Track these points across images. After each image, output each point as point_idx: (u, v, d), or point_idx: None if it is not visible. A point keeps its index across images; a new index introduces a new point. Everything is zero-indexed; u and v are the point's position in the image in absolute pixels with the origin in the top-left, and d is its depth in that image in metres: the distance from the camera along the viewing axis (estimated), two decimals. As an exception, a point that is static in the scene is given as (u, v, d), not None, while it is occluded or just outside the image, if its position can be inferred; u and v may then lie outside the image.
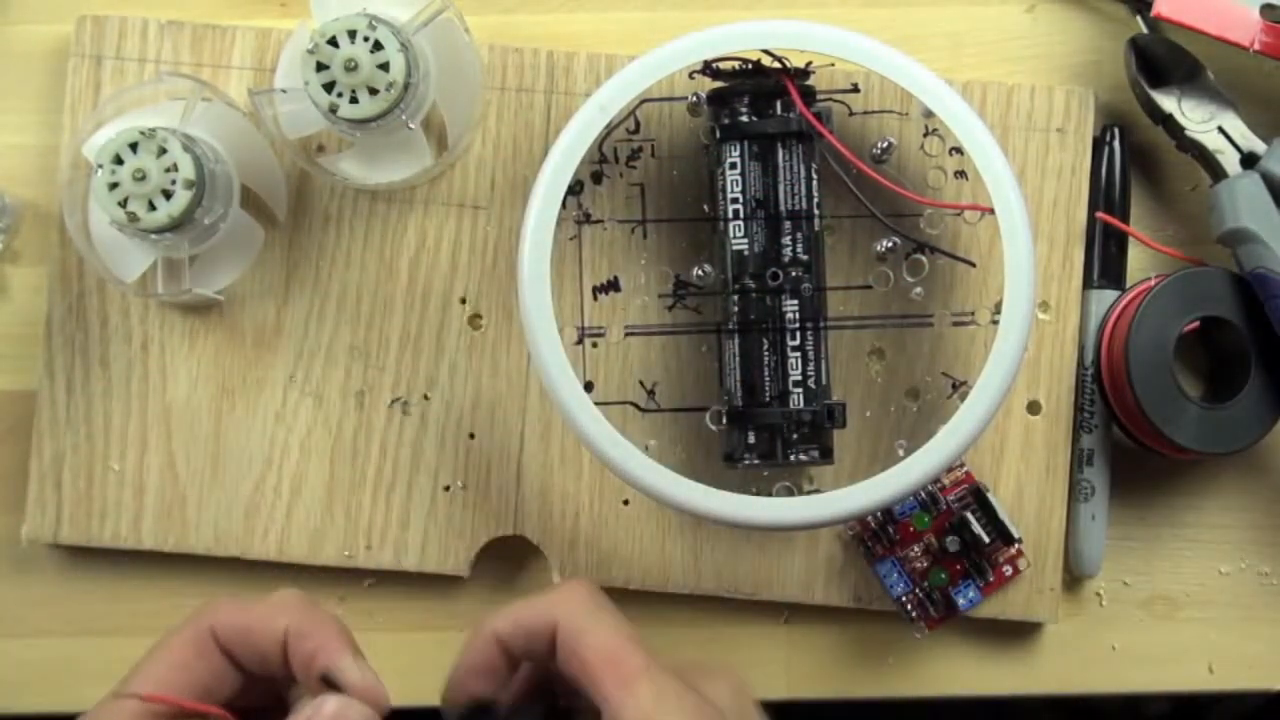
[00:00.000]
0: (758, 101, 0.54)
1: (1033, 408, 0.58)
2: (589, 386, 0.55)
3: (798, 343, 0.54)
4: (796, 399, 0.54)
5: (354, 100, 0.53)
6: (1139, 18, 0.59)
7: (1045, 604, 0.58)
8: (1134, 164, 0.60)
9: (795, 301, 0.54)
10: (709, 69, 0.54)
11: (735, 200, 0.54)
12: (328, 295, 0.58)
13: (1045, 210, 0.58)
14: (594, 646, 0.39)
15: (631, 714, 0.38)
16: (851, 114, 0.57)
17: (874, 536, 0.57)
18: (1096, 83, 0.60)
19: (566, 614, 0.40)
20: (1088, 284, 0.59)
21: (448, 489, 0.58)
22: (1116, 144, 0.59)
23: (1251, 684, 0.59)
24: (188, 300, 0.57)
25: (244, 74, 0.58)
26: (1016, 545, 0.57)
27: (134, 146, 0.53)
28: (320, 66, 0.53)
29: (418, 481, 0.58)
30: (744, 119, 0.54)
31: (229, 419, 0.58)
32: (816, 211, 0.54)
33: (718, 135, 0.54)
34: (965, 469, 0.57)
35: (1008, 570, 0.57)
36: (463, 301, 0.58)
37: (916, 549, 0.57)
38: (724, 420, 0.54)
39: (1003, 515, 0.56)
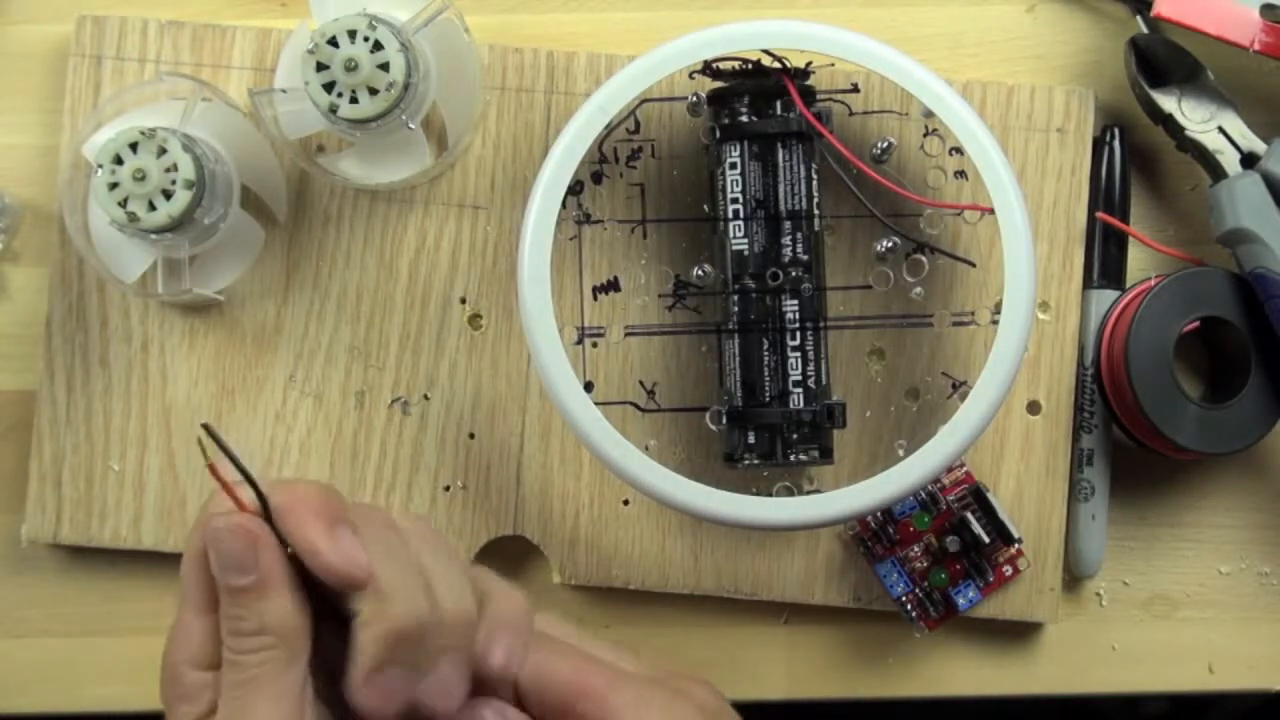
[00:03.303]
0: (758, 101, 0.54)
1: (1033, 408, 0.58)
2: (589, 386, 0.55)
3: (798, 343, 0.54)
4: (796, 399, 0.54)
5: (354, 100, 0.53)
6: (1139, 18, 0.59)
7: (1045, 604, 0.58)
8: (1134, 164, 0.60)
9: (795, 301, 0.54)
10: (709, 69, 0.54)
11: (735, 200, 0.54)
12: (328, 295, 0.58)
13: (1045, 210, 0.58)
14: (556, 687, 0.40)
15: None
16: (851, 114, 0.57)
17: (874, 536, 0.57)
18: (1096, 83, 0.60)
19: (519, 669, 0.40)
20: (1088, 284, 0.59)
21: (448, 489, 0.58)
22: (1116, 144, 0.59)
23: (1251, 684, 0.59)
24: (188, 300, 0.57)
25: (244, 74, 0.58)
26: (1016, 545, 0.57)
27: (134, 146, 0.53)
28: (320, 66, 0.53)
29: (418, 481, 0.58)
30: (744, 119, 0.54)
31: (229, 419, 0.58)
32: (816, 211, 0.54)
33: (718, 135, 0.54)
34: (965, 469, 0.57)
35: (1008, 570, 0.57)
36: (463, 301, 0.58)
37: (916, 549, 0.57)
38: (724, 420, 0.54)
39: (1003, 515, 0.56)
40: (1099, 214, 0.58)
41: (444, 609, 0.39)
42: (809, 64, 0.54)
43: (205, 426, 0.38)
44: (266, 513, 0.38)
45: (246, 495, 0.38)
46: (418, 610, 0.38)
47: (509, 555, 0.59)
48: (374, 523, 0.40)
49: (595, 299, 0.57)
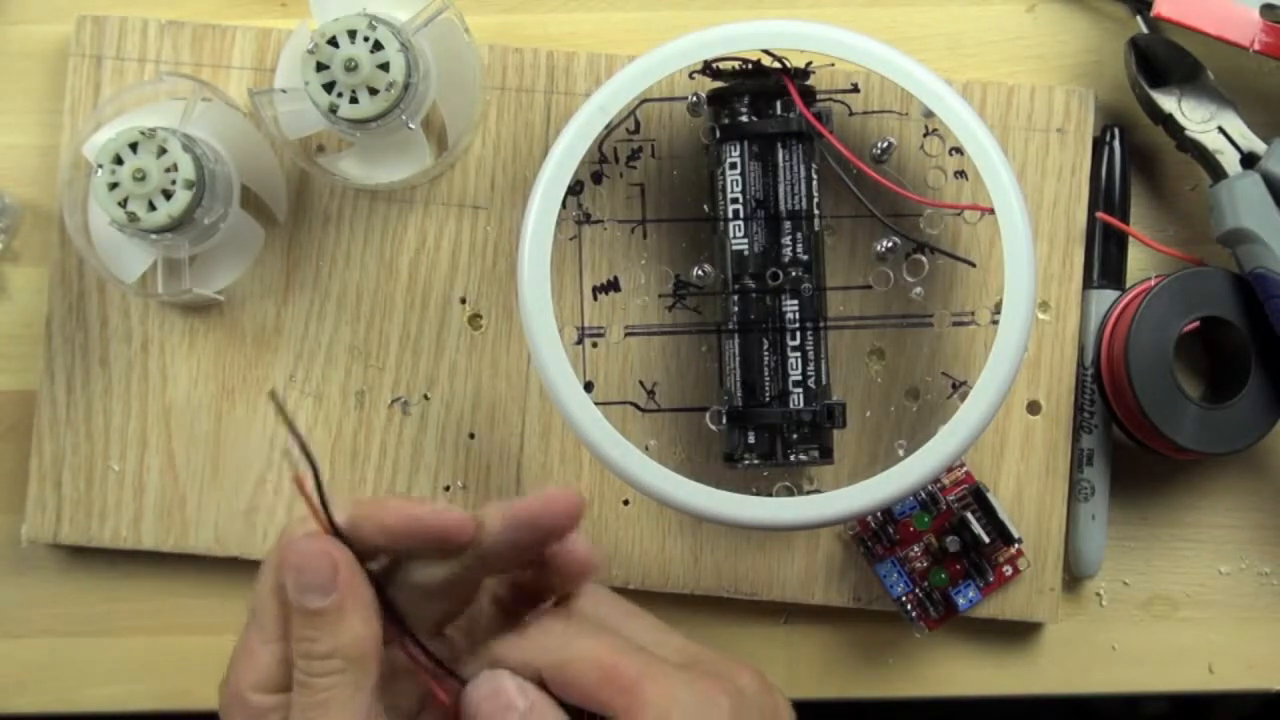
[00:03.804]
0: (758, 101, 0.54)
1: (1033, 408, 0.58)
2: (589, 386, 0.55)
3: (798, 343, 0.54)
4: (796, 399, 0.54)
5: (354, 100, 0.53)
6: (1139, 18, 0.59)
7: (1045, 604, 0.58)
8: (1134, 164, 0.60)
9: (795, 301, 0.54)
10: (709, 69, 0.54)
11: (735, 200, 0.54)
12: (328, 295, 0.58)
13: (1045, 210, 0.58)
14: (582, 674, 0.39)
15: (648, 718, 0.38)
16: (851, 114, 0.57)
17: (874, 536, 0.57)
18: (1096, 83, 0.60)
19: (542, 655, 0.40)
20: (1088, 284, 0.59)
21: (448, 489, 0.58)
22: (1116, 144, 0.59)
23: (1251, 684, 0.59)
24: (188, 300, 0.57)
25: (244, 74, 0.58)
26: (1016, 545, 0.57)
27: (134, 146, 0.53)
28: (320, 66, 0.53)
29: (418, 481, 0.58)
30: (744, 119, 0.54)
31: (229, 419, 0.58)
32: (816, 211, 0.54)
33: (718, 135, 0.54)
34: (965, 469, 0.57)
35: (1008, 570, 0.57)
36: (463, 301, 0.58)
37: (916, 549, 0.57)
38: (724, 420, 0.54)
39: (1003, 515, 0.56)
40: (1099, 214, 0.58)
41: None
42: (809, 64, 0.54)
43: (272, 394, 0.39)
44: (334, 528, 0.39)
45: (319, 512, 0.40)
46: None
47: (509, 555, 0.59)
48: None
49: (595, 299, 0.57)
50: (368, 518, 0.40)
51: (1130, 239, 0.59)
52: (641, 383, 0.57)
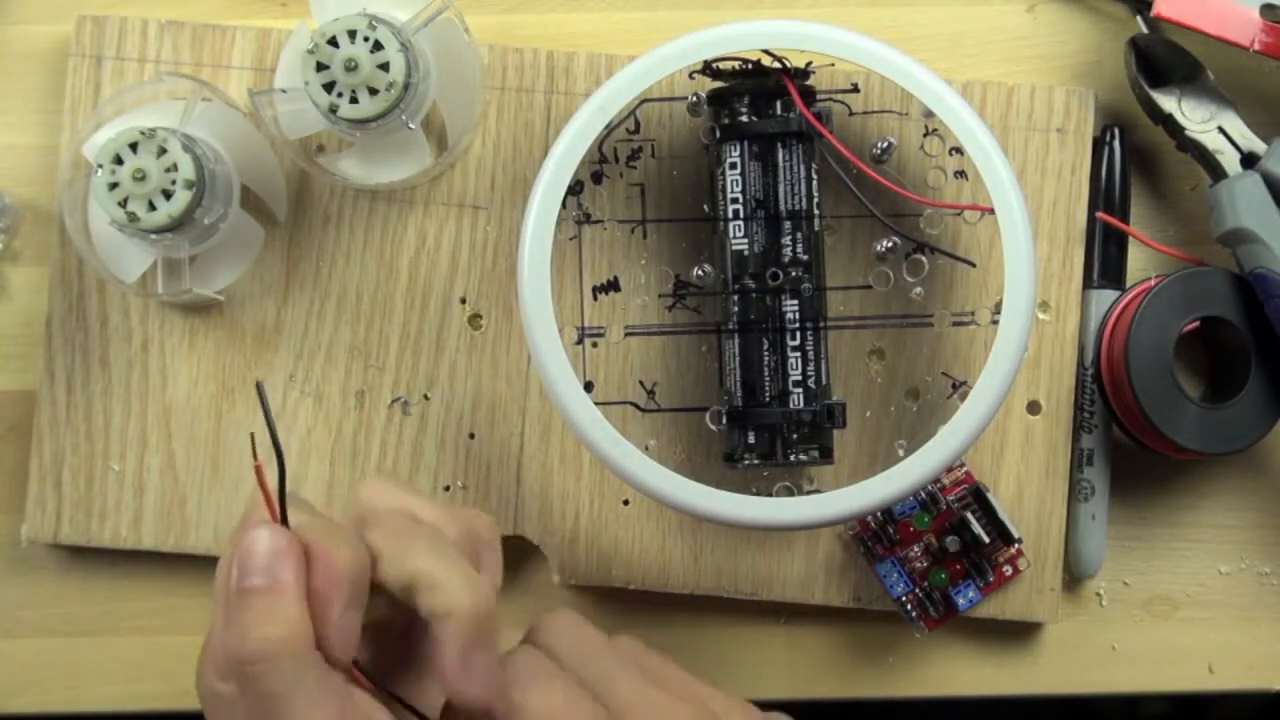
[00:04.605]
0: (758, 101, 0.54)
1: (1033, 408, 0.58)
2: (589, 386, 0.55)
3: (798, 343, 0.54)
4: (796, 399, 0.54)
5: (354, 100, 0.53)
6: (1139, 18, 0.59)
7: (1045, 604, 0.58)
8: (1134, 164, 0.60)
9: (795, 301, 0.54)
10: (709, 69, 0.54)
11: (735, 200, 0.54)
12: (328, 295, 0.58)
13: (1045, 210, 0.58)
14: None
15: None
16: (851, 114, 0.57)
17: (874, 536, 0.57)
18: (1096, 83, 0.60)
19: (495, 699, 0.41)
20: (1088, 284, 0.59)
21: (448, 489, 0.58)
22: (1116, 144, 0.59)
23: (1251, 684, 0.59)
24: (188, 300, 0.57)
25: (244, 74, 0.58)
26: (1016, 545, 0.57)
27: (134, 146, 0.53)
28: (320, 66, 0.53)
29: (418, 481, 0.58)
30: (744, 119, 0.54)
31: (229, 419, 0.58)
32: (816, 211, 0.54)
33: (718, 135, 0.54)
34: (965, 469, 0.57)
35: (1008, 570, 0.57)
36: (463, 301, 0.58)
37: (916, 549, 0.57)
38: (724, 420, 0.54)
39: (1003, 515, 0.56)
40: (1099, 214, 0.58)
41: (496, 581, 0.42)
42: (809, 64, 0.54)
43: (258, 386, 0.40)
44: (285, 520, 0.40)
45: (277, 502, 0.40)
46: (478, 593, 0.40)
47: (509, 555, 0.58)
48: (402, 529, 0.41)
49: (595, 299, 0.57)
50: (317, 537, 0.40)
51: (1130, 239, 0.59)
52: (641, 383, 0.57)
